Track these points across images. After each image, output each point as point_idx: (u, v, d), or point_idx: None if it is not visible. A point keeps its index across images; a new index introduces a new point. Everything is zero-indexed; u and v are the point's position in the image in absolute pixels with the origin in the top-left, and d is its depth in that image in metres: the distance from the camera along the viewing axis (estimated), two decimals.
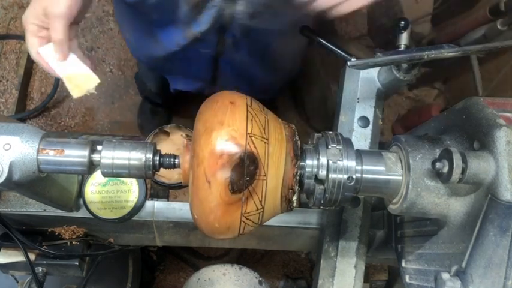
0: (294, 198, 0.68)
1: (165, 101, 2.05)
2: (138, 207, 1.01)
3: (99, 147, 0.68)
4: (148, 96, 2.03)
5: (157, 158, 0.69)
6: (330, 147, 0.66)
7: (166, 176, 1.09)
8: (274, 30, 1.13)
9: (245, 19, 1.02)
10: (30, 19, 0.84)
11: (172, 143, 1.16)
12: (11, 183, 0.63)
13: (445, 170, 0.58)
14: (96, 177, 1.02)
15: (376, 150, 0.73)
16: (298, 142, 0.67)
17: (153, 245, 1.19)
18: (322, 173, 0.65)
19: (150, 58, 1.33)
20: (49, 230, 1.03)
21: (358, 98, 0.98)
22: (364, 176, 0.66)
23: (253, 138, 0.61)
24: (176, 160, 0.70)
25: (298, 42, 1.34)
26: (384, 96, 1.00)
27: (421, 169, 0.63)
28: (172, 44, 1.17)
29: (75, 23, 0.87)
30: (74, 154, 0.66)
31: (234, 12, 1.00)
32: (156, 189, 1.08)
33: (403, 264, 0.81)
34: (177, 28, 1.11)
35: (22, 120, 2.11)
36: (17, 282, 1.12)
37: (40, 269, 1.04)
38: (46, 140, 0.66)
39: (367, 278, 1.65)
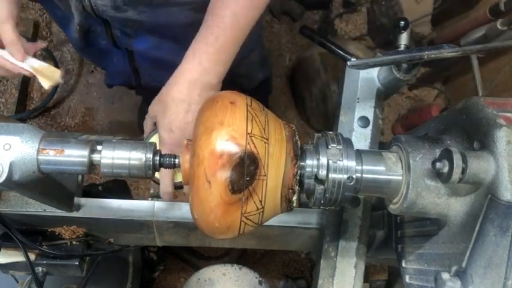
0: (294, 198, 0.68)
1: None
2: None
3: (99, 147, 0.68)
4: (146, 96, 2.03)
5: (157, 158, 0.69)
6: (330, 147, 0.66)
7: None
8: (160, 22, 1.10)
9: (110, 11, 1.02)
10: None
11: None
12: (11, 183, 0.63)
13: (445, 170, 0.58)
14: None
15: (376, 150, 0.73)
16: (298, 142, 0.67)
17: (153, 245, 1.19)
18: (322, 173, 0.65)
19: (79, 51, 1.37)
20: (49, 230, 1.03)
21: (358, 98, 0.98)
22: (364, 176, 0.66)
23: (253, 138, 0.61)
24: (176, 160, 0.70)
25: None
26: (383, 96, 1.00)
27: (421, 169, 0.63)
28: (73, 36, 1.20)
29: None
30: (74, 154, 0.66)
31: (94, 3, 1.01)
32: (156, 189, 1.08)
33: (403, 264, 0.81)
34: (70, 22, 1.15)
35: (22, 120, 2.11)
36: (17, 282, 1.12)
37: (40, 269, 1.03)
38: (46, 140, 0.66)
39: (367, 278, 1.65)
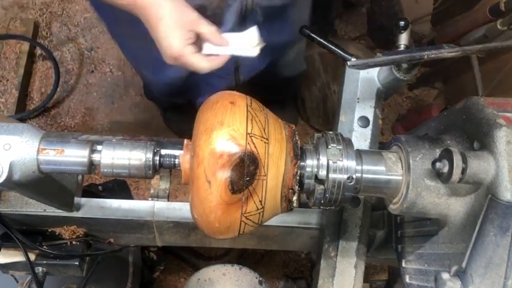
0: (294, 198, 0.68)
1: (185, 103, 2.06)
2: None
3: (99, 147, 0.68)
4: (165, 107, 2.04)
5: (158, 158, 0.69)
6: (330, 147, 0.66)
7: None
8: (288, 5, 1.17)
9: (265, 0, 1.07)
10: (183, 44, 0.92)
11: None
12: (11, 183, 0.63)
13: (445, 170, 0.58)
14: None
15: (376, 150, 0.73)
16: (298, 142, 0.67)
17: (153, 245, 1.19)
18: (322, 173, 0.65)
19: (175, 77, 1.34)
20: (49, 230, 1.03)
21: (358, 98, 0.98)
22: (364, 176, 0.66)
23: (253, 138, 0.61)
24: (176, 160, 0.70)
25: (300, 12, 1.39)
26: (384, 97, 1.00)
27: (421, 169, 0.63)
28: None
29: None
30: (74, 154, 0.66)
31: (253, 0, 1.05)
32: (156, 189, 1.09)
33: (403, 264, 0.81)
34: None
35: (22, 120, 2.11)
36: (17, 282, 1.11)
37: (40, 269, 1.03)
38: (46, 140, 0.66)
39: (367, 278, 1.66)
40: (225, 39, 0.96)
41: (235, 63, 1.35)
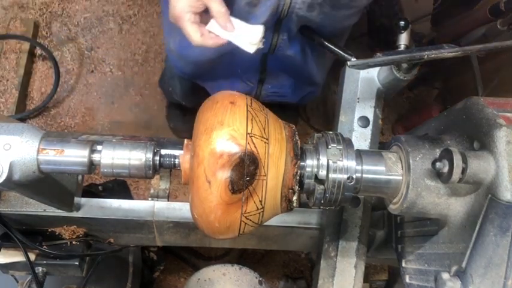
0: (294, 198, 0.68)
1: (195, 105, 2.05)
2: None
3: (99, 147, 0.68)
4: (176, 103, 2.03)
5: (157, 158, 0.69)
6: (330, 147, 0.66)
7: None
8: (327, 25, 1.13)
9: (303, 10, 1.03)
10: (186, 9, 0.91)
11: None
12: (11, 183, 0.63)
13: (445, 170, 0.58)
14: None
15: (376, 150, 0.73)
16: (298, 142, 0.67)
17: (153, 245, 1.19)
18: (322, 173, 0.65)
19: (196, 64, 1.33)
20: (49, 230, 1.03)
21: (358, 98, 0.98)
22: (364, 176, 0.66)
23: (253, 138, 0.61)
24: (176, 160, 0.70)
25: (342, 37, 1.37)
26: (384, 97, 1.00)
27: (421, 169, 0.63)
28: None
29: None
30: (74, 154, 0.66)
31: (291, 1, 1.01)
32: (156, 189, 1.09)
33: (403, 264, 0.81)
34: None
35: (22, 120, 2.11)
36: (17, 282, 1.11)
37: (40, 269, 1.03)
38: (46, 139, 0.66)
39: (367, 278, 1.66)
40: (231, 25, 0.94)
41: (261, 73, 1.31)
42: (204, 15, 0.95)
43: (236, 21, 0.96)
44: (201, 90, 1.50)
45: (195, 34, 0.93)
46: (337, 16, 1.10)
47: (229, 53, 1.17)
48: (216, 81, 1.44)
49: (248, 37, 0.96)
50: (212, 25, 0.95)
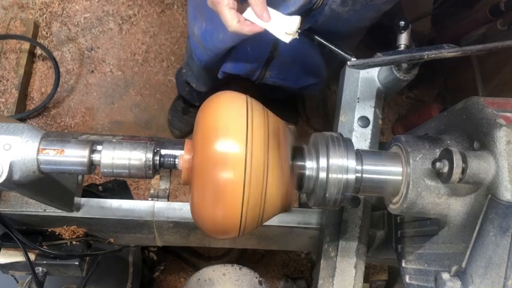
0: (294, 198, 0.68)
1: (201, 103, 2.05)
2: None
3: (99, 147, 0.68)
4: (185, 96, 2.03)
5: (158, 158, 0.69)
6: (330, 147, 0.66)
7: None
8: (353, 22, 1.14)
9: (337, 3, 1.03)
10: None
11: None
12: (11, 183, 0.63)
13: (445, 170, 0.58)
14: None
15: (376, 150, 0.73)
16: (298, 142, 0.67)
17: (153, 245, 1.19)
18: (322, 173, 0.65)
19: (214, 52, 1.33)
20: (49, 230, 1.03)
21: (358, 98, 0.98)
22: (364, 175, 0.66)
23: (253, 138, 0.61)
24: (176, 160, 0.69)
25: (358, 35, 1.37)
26: (384, 97, 1.00)
27: (421, 169, 0.63)
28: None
29: None
30: (74, 154, 0.66)
31: None
32: (156, 189, 1.09)
33: (403, 264, 0.81)
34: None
35: (22, 120, 2.11)
36: (17, 282, 1.11)
37: (40, 269, 1.03)
38: (46, 139, 0.66)
39: (367, 278, 1.65)
40: (268, 14, 0.94)
41: (270, 53, 1.31)
42: (240, 6, 0.95)
43: (272, 11, 0.96)
44: (215, 72, 1.51)
45: (232, 19, 0.93)
46: (364, 16, 1.11)
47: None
48: (228, 58, 1.42)
49: (284, 27, 0.95)
50: (249, 13, 0.95)
